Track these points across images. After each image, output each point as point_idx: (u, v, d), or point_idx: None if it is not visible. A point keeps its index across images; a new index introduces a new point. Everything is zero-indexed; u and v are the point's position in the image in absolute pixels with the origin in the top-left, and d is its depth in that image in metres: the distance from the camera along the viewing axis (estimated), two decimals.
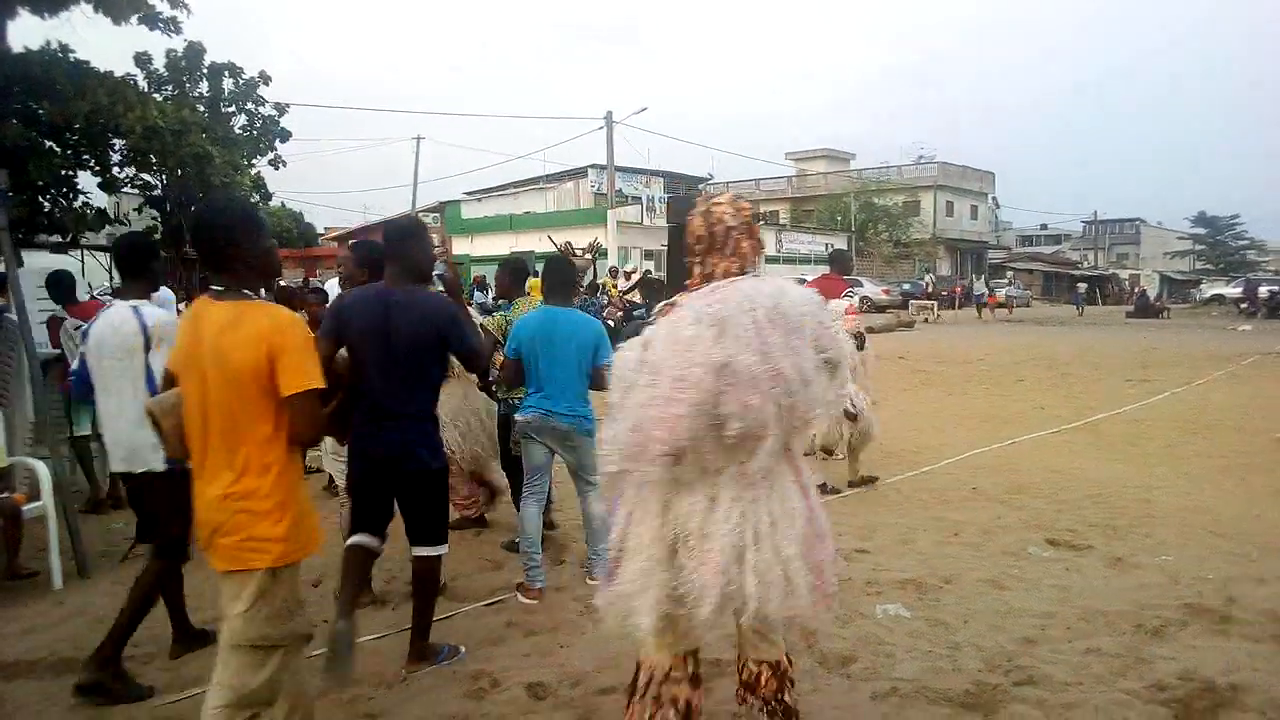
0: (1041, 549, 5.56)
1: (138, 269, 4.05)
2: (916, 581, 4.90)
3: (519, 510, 5.03)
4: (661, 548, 2.57)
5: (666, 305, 2.75)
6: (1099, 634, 4.20)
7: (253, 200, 24.14)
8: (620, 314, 18.10)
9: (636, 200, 39.87)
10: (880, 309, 34.27)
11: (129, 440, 3.87)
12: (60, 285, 6.78)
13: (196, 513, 2.74)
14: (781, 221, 50.56)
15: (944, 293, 41.30)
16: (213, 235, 2.79)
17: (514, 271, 6.06)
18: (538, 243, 29.09)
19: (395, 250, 3.93)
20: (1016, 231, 77.41)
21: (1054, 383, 14.10)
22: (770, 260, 41.27)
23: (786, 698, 2.81)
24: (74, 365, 4.12)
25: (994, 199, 61.53)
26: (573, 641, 4.22)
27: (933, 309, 33.33)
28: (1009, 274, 53.56)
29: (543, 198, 43.85)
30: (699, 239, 2.78)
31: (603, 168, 37.49)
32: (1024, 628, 4.28)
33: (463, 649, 4.07)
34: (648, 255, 36.29)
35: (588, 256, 19.53)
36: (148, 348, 3.88)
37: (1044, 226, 79.85)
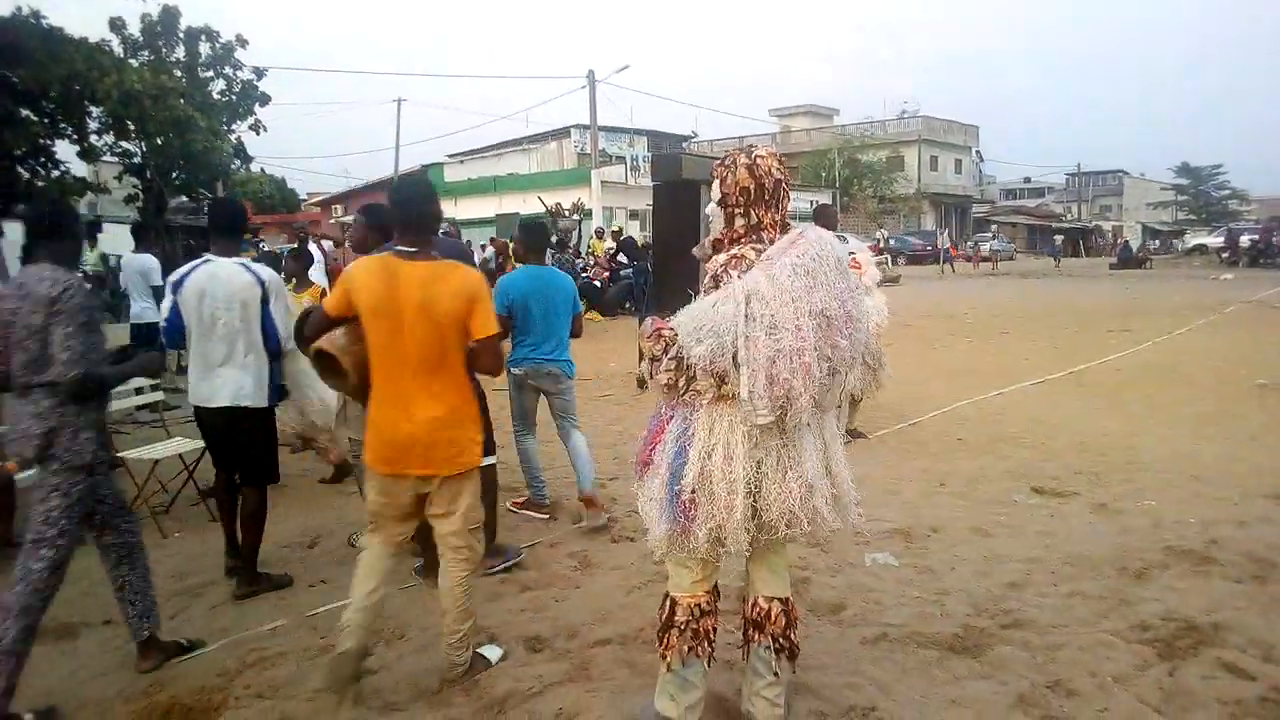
0: (1027, 497, 5.65)
1: (233, 229, 4.54)
2: (904, 531, 4.98)
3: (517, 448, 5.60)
4: (751, 483, 2.69)
5: (733, 258, 2.74)
6: (1083, 578, 4.29)
7: (234, 166, 23.85)
8: (606, 274, 18.06)
9: (620, 160, 39.59)
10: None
11: (236, 380, 4.28)
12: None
13: (393, 435, 3.26)
14: None
15: (928, 248, 41.17)
16: (418, 204, 3.38)
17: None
18: (522, 204, 28.93)
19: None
20: (1000, 185, 77.27)
21: (1037, 335, 14.21)
22: None
23: (793, 635, 2.95)
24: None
25: (978, 153, 61.36)
26: (567, 596, 4.29)
27: (886, 264, 33.10)
28: (992, 228, 53.46)
29: (526, 159, 43.46)
30: (744, 190, 2.78)
31: (586, 127, 37.12)
32: (1010, 573, 4.36)
33: (523, 551, 4.66)
34: (633, 215, 36.08)
35: (575, 217, 19.48)
36: (265, 300, 4.31)
37: (1028, 180, 79.80)
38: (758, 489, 2.69)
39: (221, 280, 4.25)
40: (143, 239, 10.69)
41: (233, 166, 23.67)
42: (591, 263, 18.41)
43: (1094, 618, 3.85)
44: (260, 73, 22.75)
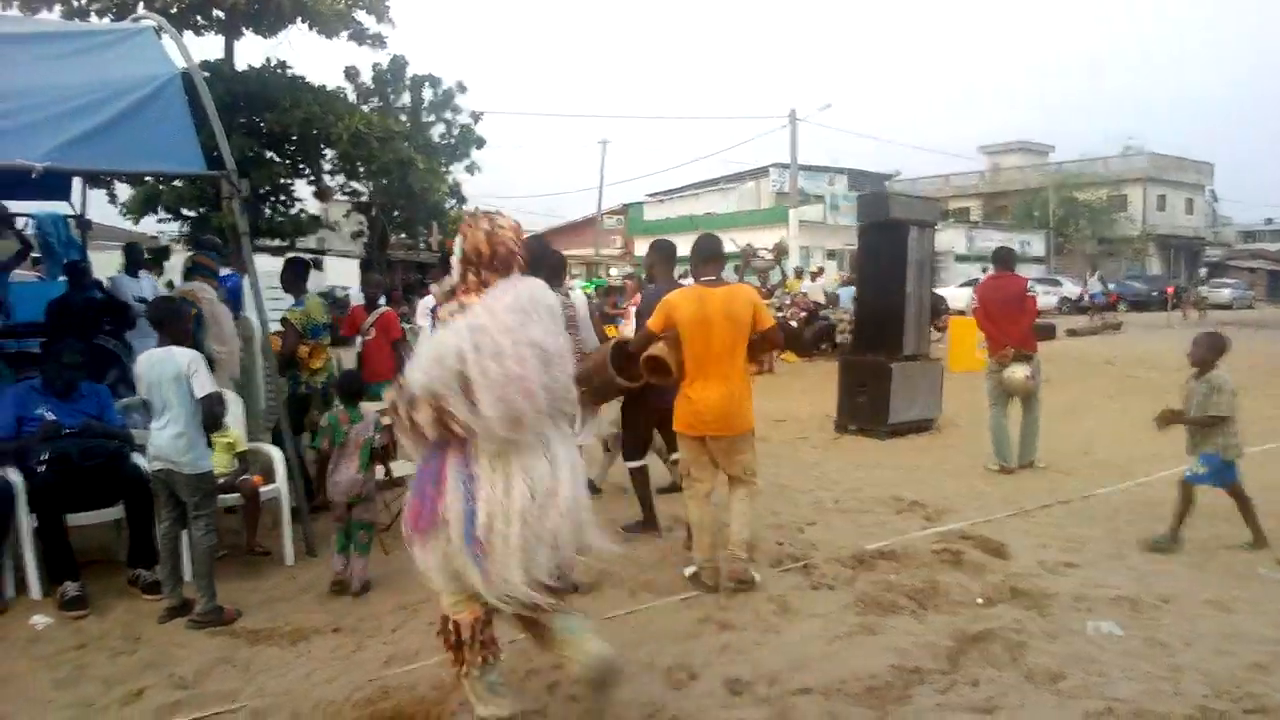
0: (1272, 570, 5.14)
1: (534, 269, 5.49)
2: (1131, 599, 4.64)
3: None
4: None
5: (462, 306, 3.00)
6: None
7: (448, 205, 25.41)
8: (804, 314, 17.87)
9: (819, 199, 39.32)
10: (1082, 310, 32.25)
11: None
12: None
13: (701, 409, 4.72)
14: (973, 218, 48.50)
15: (1154, 294, 38.18)
16: (710, 252, 4.97)
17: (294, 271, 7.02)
18: None
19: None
20: (1238, 226, 70.95)
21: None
22: (960, 259, 39.72)
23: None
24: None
25: (1211, 191, 56.67)
26: (767, 640, 4.25)
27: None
28: (1204, 271, 48.28)
29: (723, 198, 43.96)
30: (478, 253, 3.04)
31: (785, 166, 37.15)
32: (1254, 653, 3.97)
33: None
34: (830, 255, 35.70)
35: (769, 257, 19.44)
36: None
37: (1269, 221, 72.93)
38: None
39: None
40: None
41: (448, 205, 25.22)
42: (789, 301, 18.25)
43: None
44: (477, 116, 24.19)
